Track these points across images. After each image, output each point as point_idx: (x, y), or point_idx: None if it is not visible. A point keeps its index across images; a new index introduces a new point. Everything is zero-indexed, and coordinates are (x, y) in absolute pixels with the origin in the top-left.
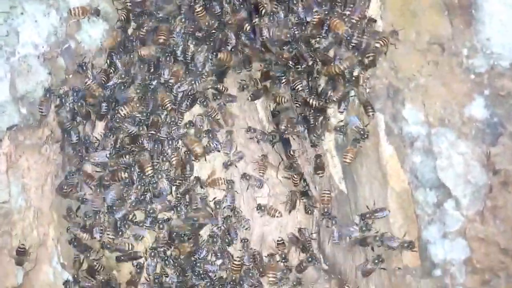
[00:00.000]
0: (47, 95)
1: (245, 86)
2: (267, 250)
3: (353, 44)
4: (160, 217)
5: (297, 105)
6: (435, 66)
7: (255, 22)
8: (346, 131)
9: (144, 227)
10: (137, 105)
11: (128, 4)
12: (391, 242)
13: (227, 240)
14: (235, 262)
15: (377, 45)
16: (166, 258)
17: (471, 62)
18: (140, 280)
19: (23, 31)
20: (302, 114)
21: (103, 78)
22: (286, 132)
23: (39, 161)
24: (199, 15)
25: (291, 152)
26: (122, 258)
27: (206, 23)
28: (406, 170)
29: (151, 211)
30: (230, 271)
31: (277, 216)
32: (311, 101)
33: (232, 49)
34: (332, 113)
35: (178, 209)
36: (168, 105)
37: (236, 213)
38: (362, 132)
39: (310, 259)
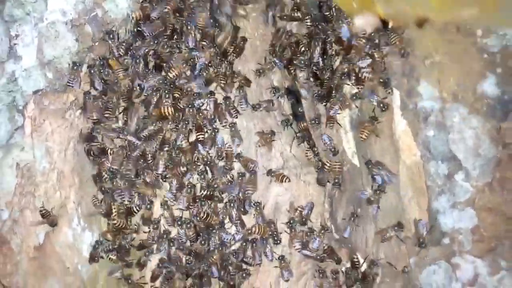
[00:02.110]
0: (75, 68)
1: (261, 71)
2: (281, 220)
3: None
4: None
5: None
6: (450, 44)
7: None
8: (361, 106)
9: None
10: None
11: None
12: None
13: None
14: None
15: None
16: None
17: (485, 42)
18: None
19: None
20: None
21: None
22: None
23: (63, 125)
24: None
25: (303, 125)
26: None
27: None
28: (419, 143)
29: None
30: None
31: (285, 181)
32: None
33: None
34: (348, 89)
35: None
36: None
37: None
38: (382, 105)
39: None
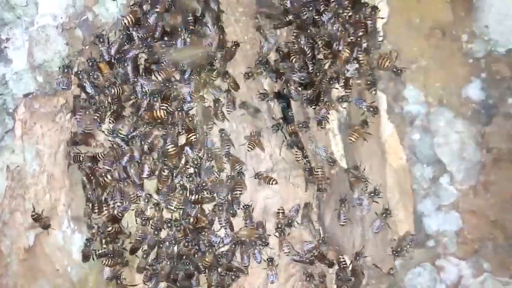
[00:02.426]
0: (66, 71)
1: (250, 74)
2: (269, 222)
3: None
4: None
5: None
6: (436, 49)
7: None
8: (349, 109)
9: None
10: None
11: None
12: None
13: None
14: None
15: None
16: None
17: (470, 47)
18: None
19: (42, 2)
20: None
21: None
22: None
23: (53, 128)
24: None
25: (293, 128)
26: None
27: None
28: (405, 146)
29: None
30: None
31: (272, 183)
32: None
33: None
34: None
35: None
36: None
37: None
38: (372, 109)
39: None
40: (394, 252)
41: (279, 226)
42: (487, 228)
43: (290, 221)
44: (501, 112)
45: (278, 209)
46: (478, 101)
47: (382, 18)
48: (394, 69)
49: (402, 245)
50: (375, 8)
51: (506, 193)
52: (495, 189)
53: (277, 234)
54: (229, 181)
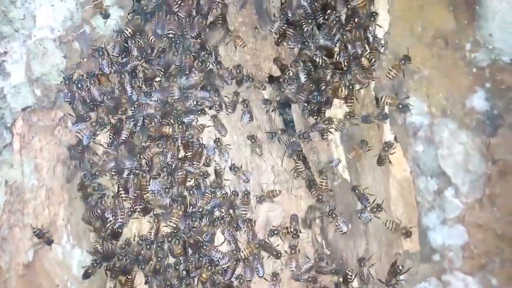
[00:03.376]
0: (68, 82)
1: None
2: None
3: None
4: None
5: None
6: (439, 59)
7: None
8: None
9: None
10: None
11: None
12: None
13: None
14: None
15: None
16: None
17: (473, 56)
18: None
19: (40, 15)
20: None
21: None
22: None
23: (52, 142)
24: None
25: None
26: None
27: None
28: (409, 158)
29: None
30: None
31: (277, 195)
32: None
33: None
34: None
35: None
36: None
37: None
38: (382, 117)
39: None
40: (387, 285)
41: (293, 247)
42: (494, 242)
43: (295, 231)
44: (507, 122)
45: (280, 227)
46: (482, 112)
47: (381, 27)
48: (400, 106)
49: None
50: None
51: None
52: (502, 202)
53: (288, 250)
54: (232, 196)
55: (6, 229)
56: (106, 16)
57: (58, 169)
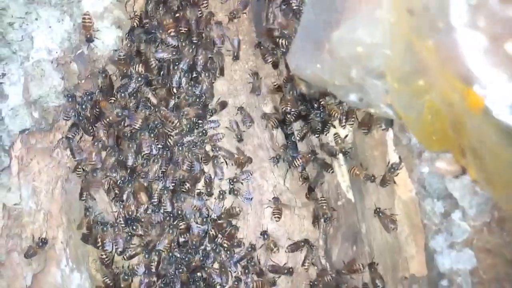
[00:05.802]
0: (70, 100)
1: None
2: (273, 257)
3: None
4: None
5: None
6: None
7: None
8: (355, 139)
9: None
10: None
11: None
12: None
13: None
14: None
15: None
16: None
17: None
18: None
19: (37, 36)
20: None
21: None
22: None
23: (50, 164)
24: None
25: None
26: None
27: None
28: (414, 180)
29: None
30: None
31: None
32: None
33: None
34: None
35: None
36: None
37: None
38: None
39: None
40: None
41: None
42: (504, 268)
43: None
44: None
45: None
46: None
47: None
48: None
49: None
50: None
51: None
52: (511, 226)
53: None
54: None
55: (4, 254)
56: (89, 40)
57: (56, 192)
